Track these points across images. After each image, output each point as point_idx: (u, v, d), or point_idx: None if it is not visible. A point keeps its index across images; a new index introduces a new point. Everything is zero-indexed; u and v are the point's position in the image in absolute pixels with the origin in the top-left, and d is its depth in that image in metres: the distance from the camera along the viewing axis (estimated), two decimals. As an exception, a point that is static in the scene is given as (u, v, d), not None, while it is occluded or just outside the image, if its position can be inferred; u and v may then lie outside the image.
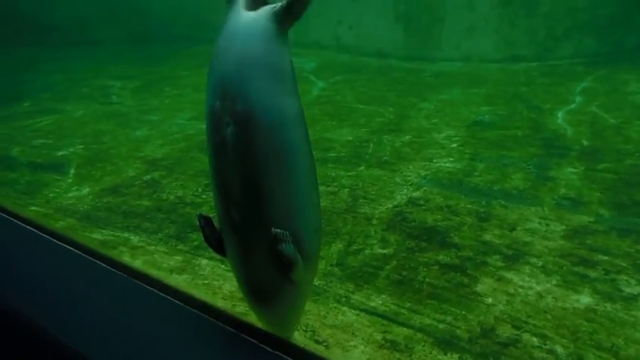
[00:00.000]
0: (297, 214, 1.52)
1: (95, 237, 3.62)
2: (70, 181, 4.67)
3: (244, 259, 1.58)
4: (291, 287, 1.61)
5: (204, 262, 3.29)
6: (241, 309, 2.82)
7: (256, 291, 1.64)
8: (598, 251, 3.23)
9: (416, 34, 9.28)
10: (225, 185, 1.48)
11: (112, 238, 3.62)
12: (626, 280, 2.94)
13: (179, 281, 3.07)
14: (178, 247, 3.48)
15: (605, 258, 3.16)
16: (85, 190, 4.45)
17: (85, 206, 4.15)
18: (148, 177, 4.66)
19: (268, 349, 1.97)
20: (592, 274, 3.02)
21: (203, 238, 1.69)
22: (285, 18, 1.49)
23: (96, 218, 3.93)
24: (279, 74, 1.46)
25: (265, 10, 1.51)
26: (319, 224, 1.62)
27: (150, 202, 4.17)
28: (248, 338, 2.00)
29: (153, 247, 3.49)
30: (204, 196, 4.23)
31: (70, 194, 4.39)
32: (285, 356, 1.91)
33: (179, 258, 3.34)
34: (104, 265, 2.56)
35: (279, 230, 1.43)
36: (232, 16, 1.53)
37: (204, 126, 5.72)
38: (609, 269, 3.05)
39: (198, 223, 1.69)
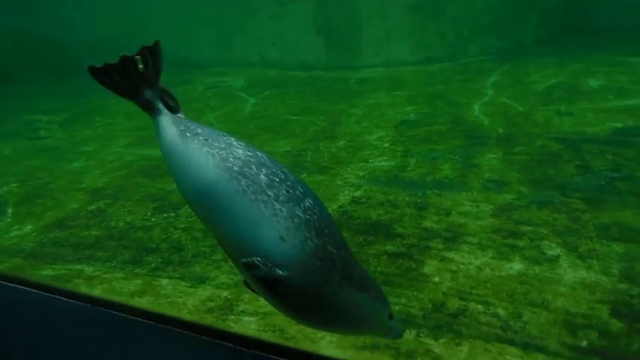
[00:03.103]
0: (248, 234, 1.70)
1: (46, 273, 3.55)
2: (9, 220, 4.50)
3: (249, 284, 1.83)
4: (290, 300, 1.71)
5: (165, 281, 3.35)
6: (209, 320, 2.92)
7: (277, 308, 1.81)
8: (523, 223, 3.64)
9: (337, 45, 9.71)
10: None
11: (65, 271, 3.57)
12: (548, 245, 3.35)
13: (142, 304, 3.11)
14: (136, 272, 3.50)
15: (529, 228, 3.57)
16: (28, 228, 4.31)
17: (30, 244, 4.03)
18: (93, 207, 4.60)
19: (244, 349, 2.11)
20: (520, 243, 3.41)
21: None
22: (169, 110, 2.03)
23: (43, 254, 3.84)
24: (180, 159, 1.90)
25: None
26: (284, 232, 1.66)
27: (99, 231, 4.13)
28: (223, 343, 2.13)
29: (109, 274, 3.49)
30: (153, 219, 4.25)
31: (12, 234, 4.24)
32: (261, 353, 2.06)
33: (138, 282, 3.37)
34: (61, 298, 2.58)
35: (246, 259, 1.64)
36: None
37: (142, 152, 5.71)
38: (533, 237, 3.46)
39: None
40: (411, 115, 6.35)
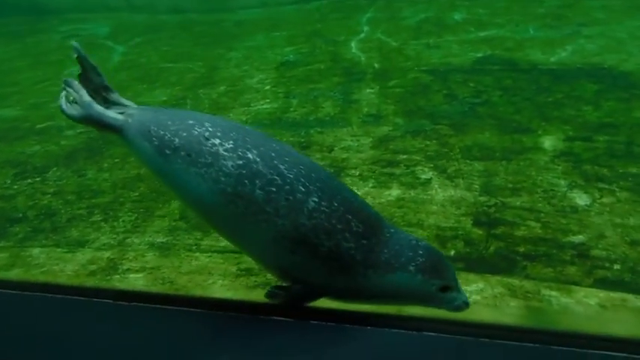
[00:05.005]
0: (258, 251, 1.72)
1: None
2: None
3: None
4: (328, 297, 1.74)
5: (37, 251, 3.08)
6: (92, 283, 2.77)
7: None
8: (399, 152, 3.87)
9: (210, -15, 9.15)
10: None
11: None
12: (421, 170, 3.61)
13: (11, 277, 2.84)
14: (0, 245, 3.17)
15: (405, 156, 3.80)
16: None
17: None
18: (-64, 180, 4.02)
19: (124, 303, 2.04)
20: (397, 171, 3.63)
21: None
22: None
23: None
24: (168, 181, 1.82)
25: None
26: (291, 246, 1.59)
27: (-53, 206, 3.64)
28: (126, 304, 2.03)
29: (-33, 252, 3.12)
30: (15, 187, 3.82)
31: None
32: (144, 304, 2.02)
33: (4, 255, 3.06)
34: None
35: (266, 293, 1.73)
36: None
37: (-8, 111, 4.91)
38: (409, 164, 3.70)
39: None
40: (291, 56, 6.29)
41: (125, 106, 1.98)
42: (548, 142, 3.76)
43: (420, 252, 1.60)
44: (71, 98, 1.91)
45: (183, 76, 5.97)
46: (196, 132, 1.69)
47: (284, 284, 1.74)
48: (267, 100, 5.03)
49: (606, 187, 3.17)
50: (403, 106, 4.62)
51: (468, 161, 3.64)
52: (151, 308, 1.93)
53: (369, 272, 1.58)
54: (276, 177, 1.58)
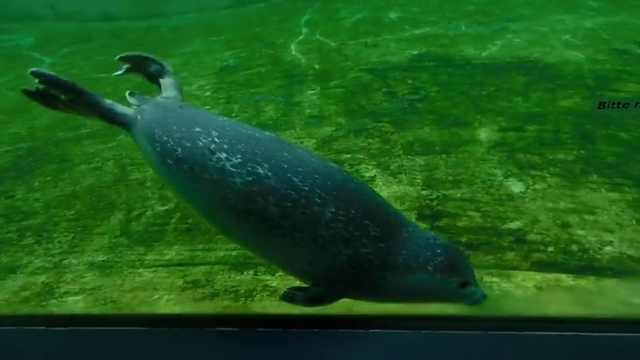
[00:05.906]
0: (276, 260, 1.68)
1: None
2: None
3: None
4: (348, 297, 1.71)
5: (-38, 281, 2.87)
6: (25, 310, 2.61)
7: None
8: (343, 152, 3.89)
9: (142, -9, 8.88)
10: None
11: None
12: (365, 168, 3.65)
13: None
14: None
15: (349, 156, 3.83)
16: None
17: None
18: None
19: (59, 328, 1.93)
20: (341, 171, 3.65)
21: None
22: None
23: None
24: (174, 190, 1.79)
25: None
26: (310, 257, 1.55)
27: None
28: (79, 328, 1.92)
29: None
30: None
31: None
32: (80, 327, 1.92)
33: None
34: None
35: (281, 296, 1.66)
36: None
37: None
38: (353, 163, 3.73)
39: None
40: (230, 60, 6.21)
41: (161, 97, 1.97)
42: (483, 134, 3.90)
43: (438, 251, 1.59)
44: (63, 97, 1.84)
45: (119, 86, 5.73)
46: (201, 143, 1.59)
47: (302, 285, 1.71)
48: (208, 107, 4.93)
49: (538, 173, 3.33)
50: (345, 105, 4.66)
51: (409, 157, 3.72)
52: (89, 331, 1.84)
53: (388, 275, 1.57)
54: (290, 191, 1.52)
